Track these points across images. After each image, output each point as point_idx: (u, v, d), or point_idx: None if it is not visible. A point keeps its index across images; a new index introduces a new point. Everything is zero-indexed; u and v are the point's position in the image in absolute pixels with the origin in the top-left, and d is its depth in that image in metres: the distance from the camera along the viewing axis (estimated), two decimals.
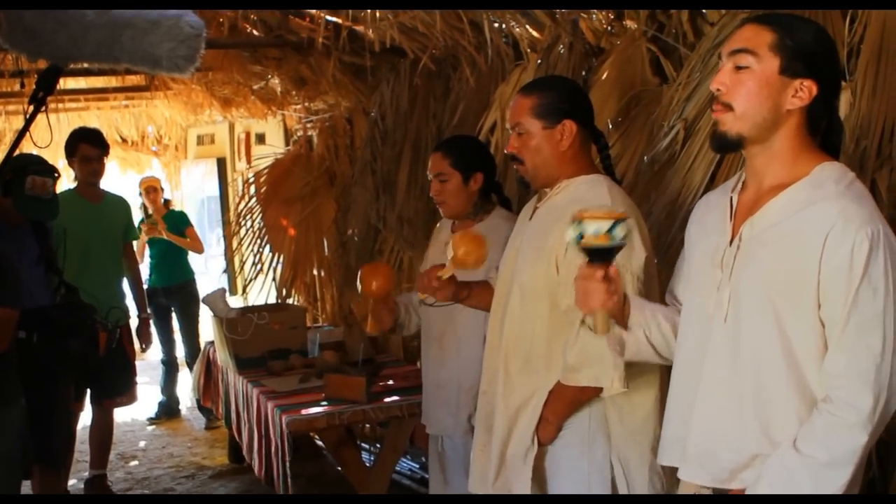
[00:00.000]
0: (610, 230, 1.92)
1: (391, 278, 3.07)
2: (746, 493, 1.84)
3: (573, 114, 2.47)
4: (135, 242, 5.52)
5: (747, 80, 1.85)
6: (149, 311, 5.47)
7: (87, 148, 4.76)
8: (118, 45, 2.78)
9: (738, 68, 1.86)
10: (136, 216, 6.81)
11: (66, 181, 5.69)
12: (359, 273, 3.06)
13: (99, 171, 4.85)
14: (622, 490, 2.40)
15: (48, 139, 3.17)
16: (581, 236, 1.94)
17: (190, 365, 6.44)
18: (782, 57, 1.84)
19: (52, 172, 3.86)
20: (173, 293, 6.63)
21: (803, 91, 1.85)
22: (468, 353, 3.11)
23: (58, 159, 5.72)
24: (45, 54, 2.87)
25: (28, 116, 2.97)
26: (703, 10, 3.30)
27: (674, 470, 2.05)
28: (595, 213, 1.95)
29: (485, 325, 2.80)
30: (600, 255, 1.97)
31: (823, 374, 1.79)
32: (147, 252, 6.78)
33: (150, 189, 6.94)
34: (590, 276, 1.98)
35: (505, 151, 2.59)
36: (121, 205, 5.12)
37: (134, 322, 5.13)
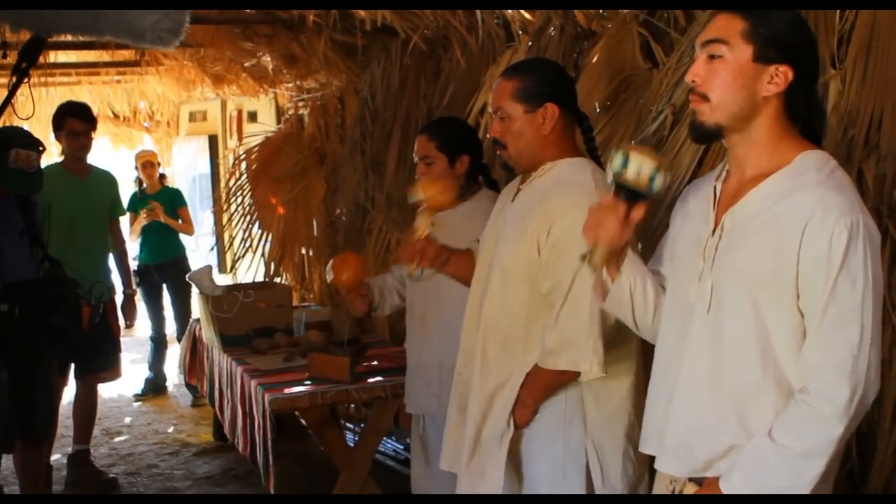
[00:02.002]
0: (652, 176, 1.89)
1: (361, 269, 3.14)
2: (720, 479, 1.82)
3: (555, 97, 2.44)
4: (126, 220, 5.48)
5: (721, 70, 1.83)
6: (134, 287, 5.44)
7: (75, 122, 4.72)
8: (102, 17, 2.74)
9: (712, 58, 1.84)
10: (131, 190, 6.81)
11: (56, 154, 5.66)
12: (329, 264, 3.13)
13: (86, 146, 4.81)
14: (595, 474, 2.39)
15: (31, 111, 3.15)
16: (622, 170, 1.90)
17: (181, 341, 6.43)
18: (755, 44, 1.81)
19: (36, 146, 3.83)
20: (165, 269, 6.60)
21: (779, 77, 1.82)
22: (450, 334, 3.08)
23: (47, 134, 5.68)
24: (27, 25, 2.84)
25: (10, 88, 2.95)
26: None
27: (649, 456, 2.04)
28: (643, 150, 1.91)
29: None
30: (631, 195, 1.93)
31: (801, 365, 1.78)
32: None
33: (147, 164, 6.88)
34: (612, 208, 1.94)
35: (488, 136, 2.56)
36: (107, 180, 5.08)
37: (119, 298, 5.10)
